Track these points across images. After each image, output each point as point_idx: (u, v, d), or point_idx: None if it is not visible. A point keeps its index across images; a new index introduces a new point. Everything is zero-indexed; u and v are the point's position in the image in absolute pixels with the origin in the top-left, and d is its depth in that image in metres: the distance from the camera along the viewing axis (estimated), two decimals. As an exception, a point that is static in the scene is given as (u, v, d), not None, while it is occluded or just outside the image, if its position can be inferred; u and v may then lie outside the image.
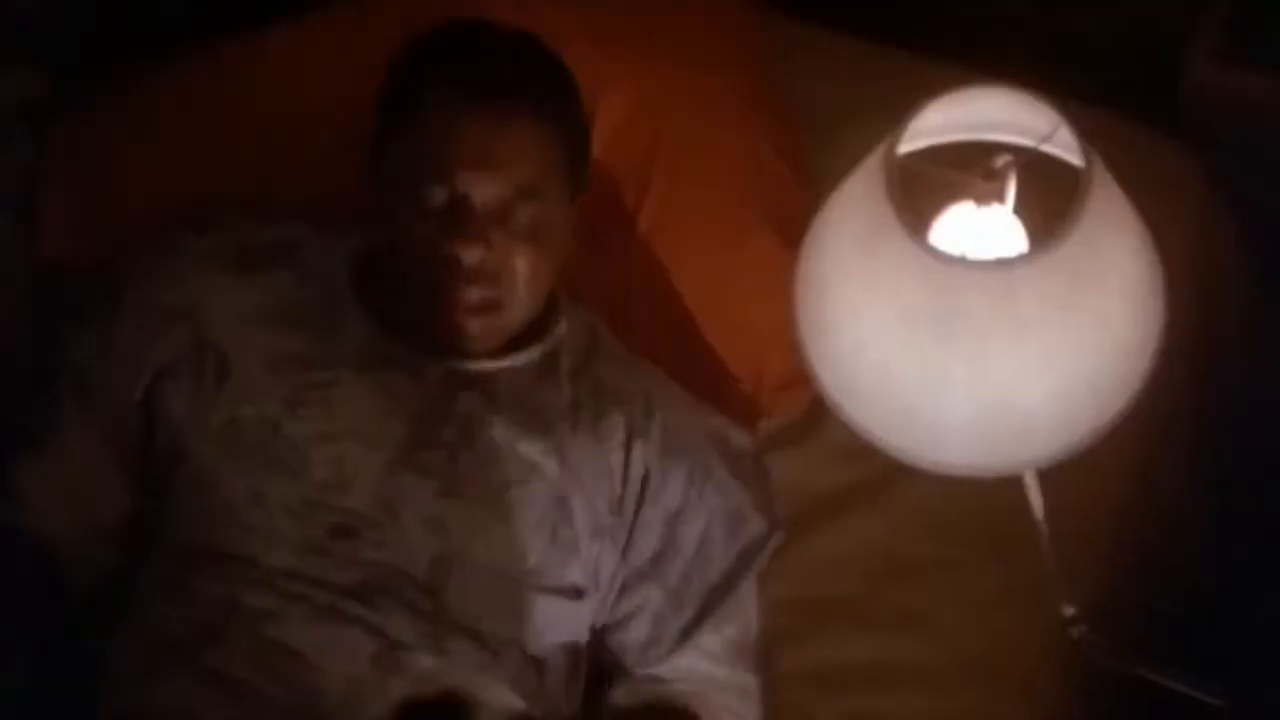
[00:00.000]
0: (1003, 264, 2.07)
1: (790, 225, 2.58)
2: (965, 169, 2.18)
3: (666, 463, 2.52)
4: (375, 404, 2.49)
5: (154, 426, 2.54)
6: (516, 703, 2.44)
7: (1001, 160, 2.15)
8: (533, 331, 2.52)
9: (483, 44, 2.44)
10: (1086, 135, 2.11)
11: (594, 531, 2.49)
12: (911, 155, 2.15)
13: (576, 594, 2.49)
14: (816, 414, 2.70)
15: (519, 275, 2.39)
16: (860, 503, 2.83)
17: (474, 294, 2.35)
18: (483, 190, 2.34)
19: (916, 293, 2.11)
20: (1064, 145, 2.12)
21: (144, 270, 2.62)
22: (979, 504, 2.53)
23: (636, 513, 2.51)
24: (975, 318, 2.08)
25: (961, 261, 2.08)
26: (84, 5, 3.05)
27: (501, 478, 2.47)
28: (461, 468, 2.47)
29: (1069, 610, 2.46)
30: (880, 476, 2.72)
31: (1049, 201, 2.10)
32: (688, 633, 2.51)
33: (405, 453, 2.49)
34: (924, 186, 2.16)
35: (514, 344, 2.52)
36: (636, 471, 2.51)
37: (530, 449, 2.49)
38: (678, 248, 2.92)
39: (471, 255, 2.32)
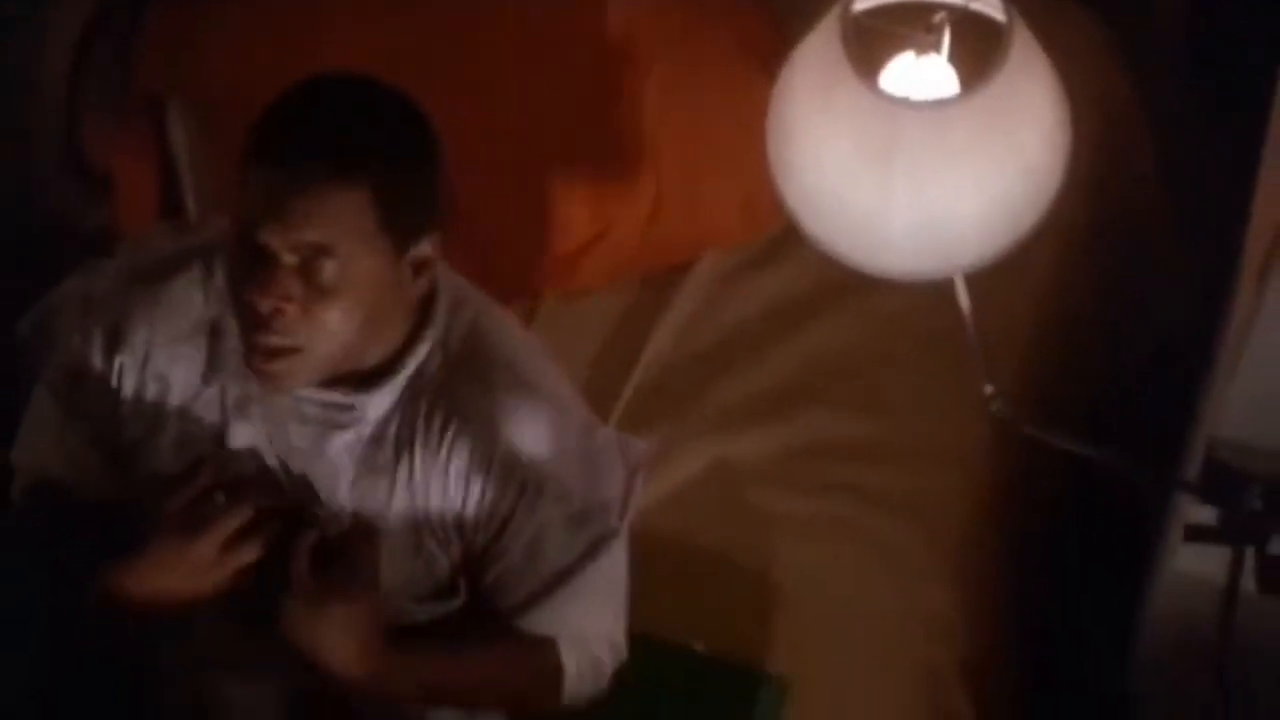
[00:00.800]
0: (938, 104, 2.13)
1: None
2: (908, 25, 2.19)
3: (501, 481, 2.37)
4: (271, 428, 2.40)
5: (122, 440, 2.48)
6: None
7: (938, 17, 2.17)
8: (391, 362, 2.36)
9: (323, 106, 2.24)
10: None
11: (441, 543, 2.43)
12: (862, 14, 2.16)
13: (450, 590, 2.47)
14: (794, 235, 2.61)
15: (321, 326, 2.20)
16: (827, 307, 2.90)
17: (271, 340, 2.19)
18: (282, 245, 2.16)
19: (866, 129, 2.15)
20: (989, 4, 2.15)
21: (74, 294, 2.50)
22: (921, 309, 2.61)
23: (475, 522, 2.42)
24: (915, 149, 2.13)
25: (904, 102, 2.13)
26: None
27: (367, 505, 2.41)
28: (337, 495, 2.41)
29: (989, 389, 2.48)
30: (841, 286, 2.78)
31: (977, 52, 2.13)
32: (527, 607, 2.44)
33: (298, 480, 2.43)
34: (873, 41, 2.17)
35: (375, 377, 2.34)
36: (475, 491, 2.38)
37: (388, 480, 2.40)
38: (691, 102, 2.90)
39: (265, 305, 2.15)
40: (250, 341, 2.19)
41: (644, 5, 2.94)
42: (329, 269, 2.16)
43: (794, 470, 2.80)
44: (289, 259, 2.14)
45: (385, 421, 2.34)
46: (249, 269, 2.16)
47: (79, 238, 2.78)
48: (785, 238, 2.72)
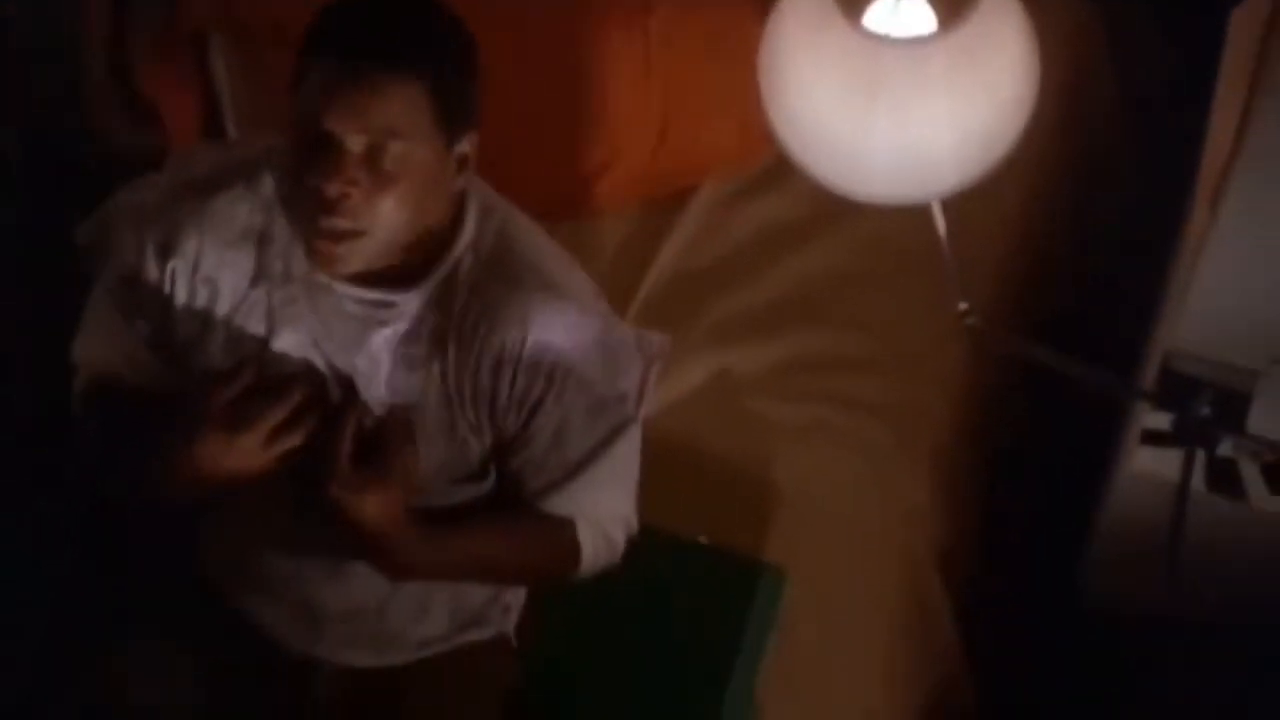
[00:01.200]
0: (916, 42, 2.11)
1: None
2: None
3: (531, 373, 2.39)
4: (315, 326, 2.41)
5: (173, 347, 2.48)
6: None
7: None
8: (429, 260, 2.38)
9: (382, 7, 2.28)
10: None
11: (476, 430, 2.43)
12: None
13: (481, 473, 2.48)
14: (786, 164, 2.56)
15: (382, 210, 2.23)
16: (817, 231, 2.91)
17: (337, 223, 2.21)
18: (349, 130, 2.19)
19: (851, 65, 2.13)
20: None
21: (127, 202, 2.51)
22: (902, 232, 2.61)
23: (506, 409, 2.42)
24: (896, 83, 2.12)
25: (885, 40, 2.11)
26: None
27: (404, 397, 2.44)
28: (375, 388, 2.43)
29: (963, 305, 2.48)
30: (829, 212, 2.79)
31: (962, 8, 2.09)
32: (550, 490, 2.46)
33: (341, 375, 2.43)
34: None
35: (411, 274, 2.37)
36: (505, 381, 2.39)
37: (424, 373, 2.42)
38: (691, 39, 2.90)
39: (332, 189, 2.17)
40: (315, 227, 2.21)
41: None
42: (391, 154, 2.19)
43: (787, 380, 2.84)
44: (355, 145, 2.17)
45: (421, 318, 2.35)
46: (313, 158, 2.18)
47: (128, 158, 2.72)
48: (778, 167, 2.70)
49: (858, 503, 2.79)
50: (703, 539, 2.69)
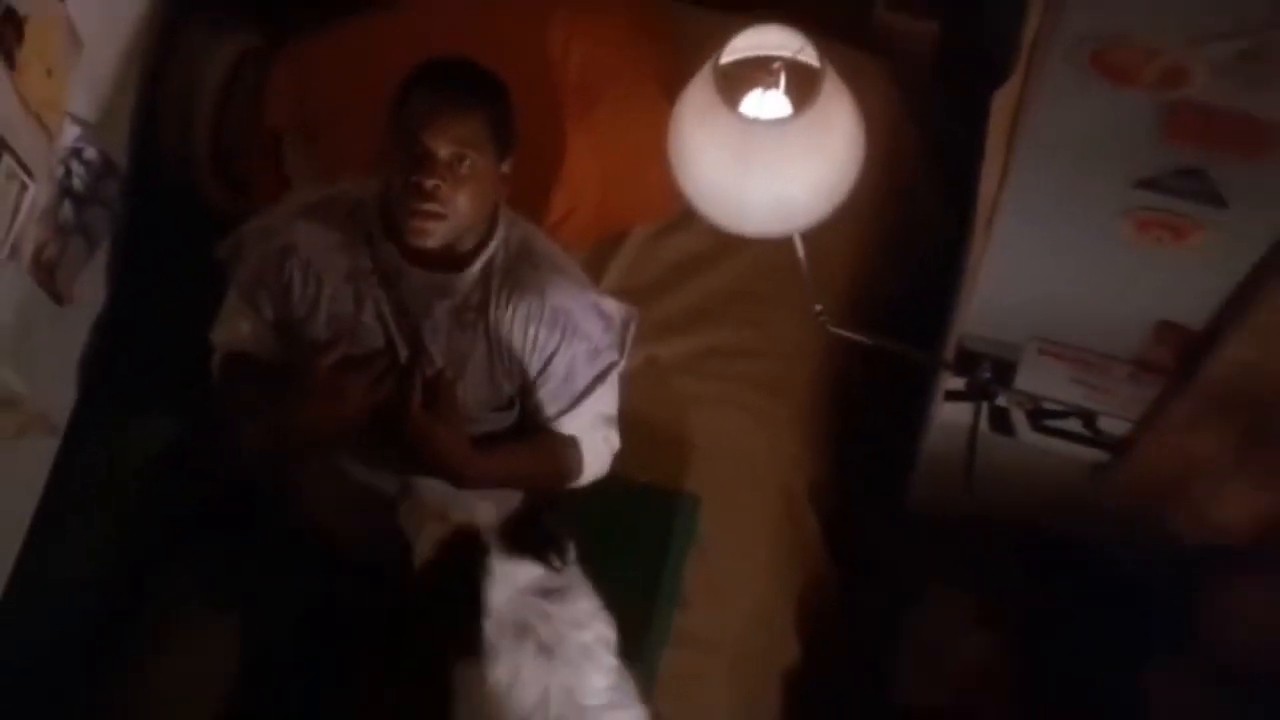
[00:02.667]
0: (778, 122, 2.23)
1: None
2: (758, 69, 2.32)
3: (549, 328, 2.46)
4: (389, 305, 2.46)
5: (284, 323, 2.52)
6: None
7: (775, 65, 2.30)
8: (477, 249, 2.44)
9: (450, 70, 2.38)
10: (822, 51, 2.26)
11: (509, 374, 2.48)
12: (728, 64, 2.27)
13: (510, 405, 2.52)
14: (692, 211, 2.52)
15: (459, 201, 2.32)
16: (718, 258, 2.92)
17: (429, 206, 2.29)
18: (439, 144, 2.29)
19: (732, 140, 2.26)
20: (810, 57, 2.27)
21: (255, 228, 2.55)
22: (777, 256, 2.58)
23: (530, 356, 2.48)
24: (765, 152, 2.26)
25: (755, 121, 2.24)
26: None
27: (459, 348, 2.46)
28: (438, 343, 2.46)
29: (818, 307, 2.62)
30: (726, 244, 2.81)
31: (803, 87, 2.27)
32: (561, 415, 2.52)
33: (408, 331, 2.47)
34: (736, 81, 2.30)
35: (464, 260, 2.43)
36: (530, 337, 2.46)
37: (475, 330, 2.46)
38: (626, 124, 2.85)
39: (429, 183, 2.27)
40: (413, 210, 2.29)
41: (594, 61, 2.86)
42: (467, 162, 2.29)
43: (699, 364, 2.86)
44: (444, 154, 2.27)
45: (470, 293, 2.44)
46: (414, 163, 2.28)
47: (229, 217, 2.71)
48: (687, 214, 2.66)
49: (750, 452, 2.83)
50: (635, 477, 2.70)
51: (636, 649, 2.43)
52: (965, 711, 3.08)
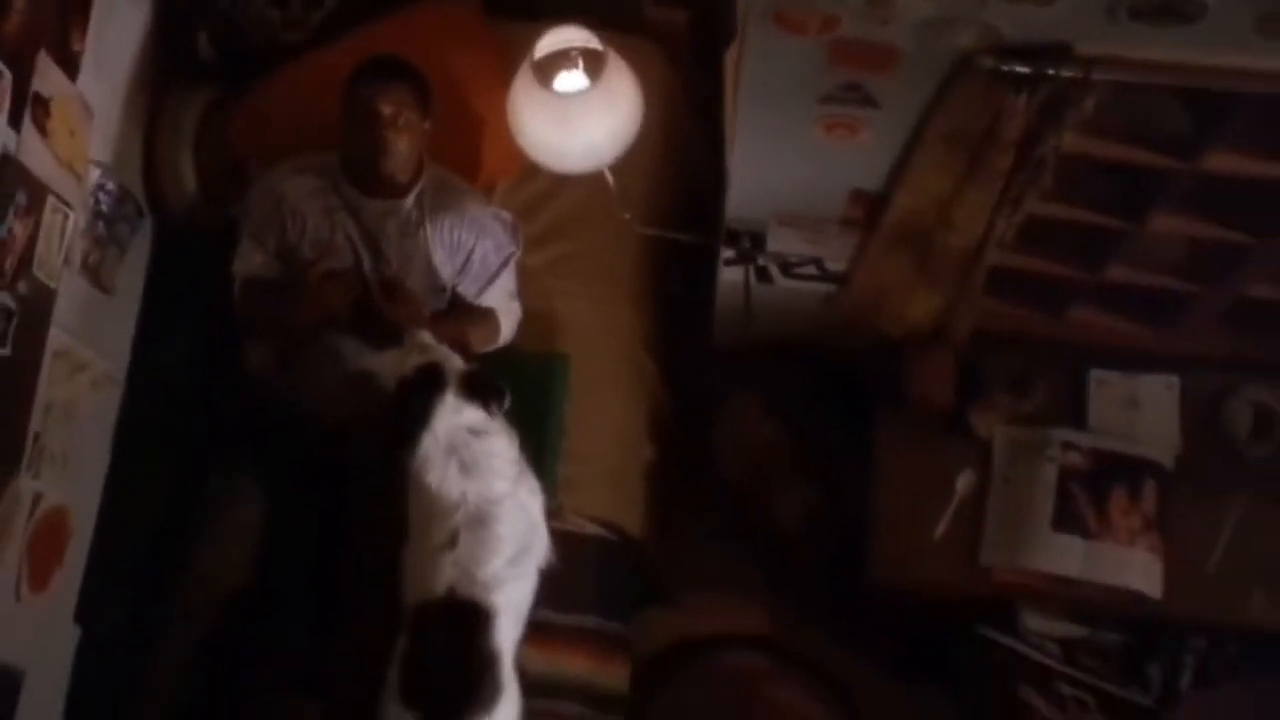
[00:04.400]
0: (579, 93, 2.33)
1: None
2: (562, 58, 2.40)
3: (467, 231, 2.48)
4: (355, 229, 2.49)
5: (282, 250, 2.53)
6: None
7: (573, 53, 2.39)
8: (411, 182, 2.46)
9: (386, 59, 2.40)
10: (605, 40, 2.35)
11: (442, 266, 2.49)
12: (542, 57, 2.36)
13: (444, 290, 2.52)
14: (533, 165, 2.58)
15: (401, 143, 2.36)
16: (559, 191, 2.84)
17: (387, 147, 2.34)
18: (385, 107, 2.34)
19: (549, 109, 2.36)
20: (595, 44, 2.36)
21: (257, 189, 2.56)
22: (598, 184, 2.56)
23: (455, 252, 2.49)
24: (572, 115, 2.34)
25: (564, 94, 2.35)
26: (245, 53, 2.84)
27: (406, 251, 2.47)
28: (391, 250, 2.49)
29: (628, 215, 2.74)
30: (559, 183, 2.78)
31: (595, 67, 2.35)
32: (481, 292, 2.54)
33: (370, 245, 2.49)
34: (547, 68, 2.38)
35: (403, 190, 2.46)
36: (455, 238, 2.47)
37: (416, 237, 2.48)
38: (470, 107, 2.74)
39: (385, 131, 2.31)
40: (378, 150, 2.36)
41: (460, 68, 2.76)
42: (403, 118, 2.37)
43: (557, 267, 2.82)
44: (387, 111, 2.35)
45: (410, 213, 2.49)
46: (370, 121, 2.34)
47: (210, 218, 2.74)
48: (531, 166, 2.64)
49: (599, 320, 2.83)
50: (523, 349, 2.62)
51: (538, 468, 2.41)
52: (761, 478, 3.16)
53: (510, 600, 2.18)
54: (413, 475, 2.18)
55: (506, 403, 2.27)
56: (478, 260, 2.53)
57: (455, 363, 2.29)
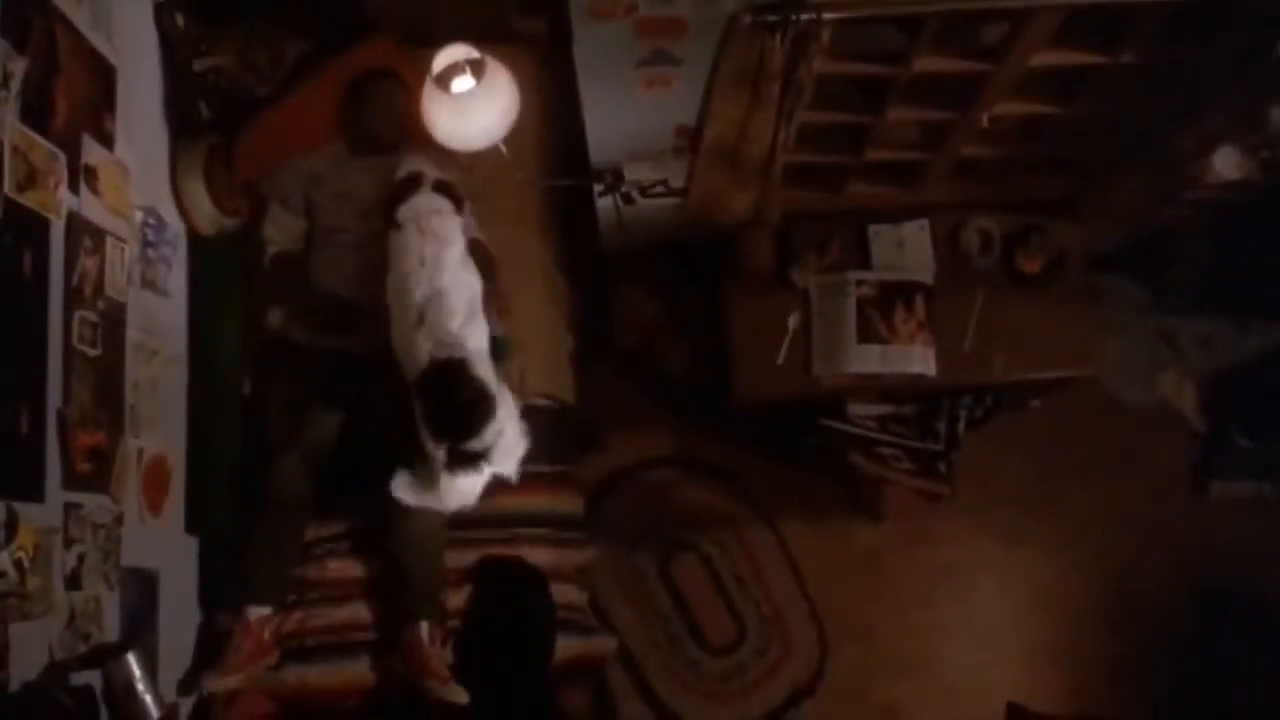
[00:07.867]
0: (470, 91, 2.19)
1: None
2: (456, 67, 2.20)
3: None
4: (356, 194, 2.44)
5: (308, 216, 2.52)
6: None
7: (463, 62, 2.21)
8: (398, 146, 2.43)
9: (376, 69, 2.41)
10: (484, 50, 2.19)
11: None
12: (440, 71, 2.20)
13: None
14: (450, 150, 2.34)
15: (396, 108, 2.40)
16: (470, 165, 2.56)
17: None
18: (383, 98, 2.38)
19: (449, 107, 2.22)
20: (476, 55, 2.13)
21: (284, 170, 2.54)
22: (499, 157, 2.35)
23: None
24: (469, 109, 2.20)
25: (460, 94, 2.20)
26: (232, 108, 2.63)
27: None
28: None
29: (520, 175, 2.51)
30: (471, 159, 2.44)
31: (480, 72, 2.16)
32: None
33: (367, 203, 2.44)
34: (445, 76, 2.21)
35: (393, 149, 2.42)
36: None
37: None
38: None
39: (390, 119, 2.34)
40: (379, 120, 2.41)
41: (399, 84, 2.57)
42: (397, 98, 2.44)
43: (485, 220, 2.63)
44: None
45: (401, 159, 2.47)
46: (374, 108, 2.41)
47: (227, 230, 2.62)
48: (449, 152, 2.34)
49: (522, 252, 2.73)
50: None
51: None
52: (651, 344, 3.15)
53: (472, 348, 2.19)
54: (390, 247, 2.24)
55: (467, 206, 2.33)
56: None
57: (433, 173, 2.32)
